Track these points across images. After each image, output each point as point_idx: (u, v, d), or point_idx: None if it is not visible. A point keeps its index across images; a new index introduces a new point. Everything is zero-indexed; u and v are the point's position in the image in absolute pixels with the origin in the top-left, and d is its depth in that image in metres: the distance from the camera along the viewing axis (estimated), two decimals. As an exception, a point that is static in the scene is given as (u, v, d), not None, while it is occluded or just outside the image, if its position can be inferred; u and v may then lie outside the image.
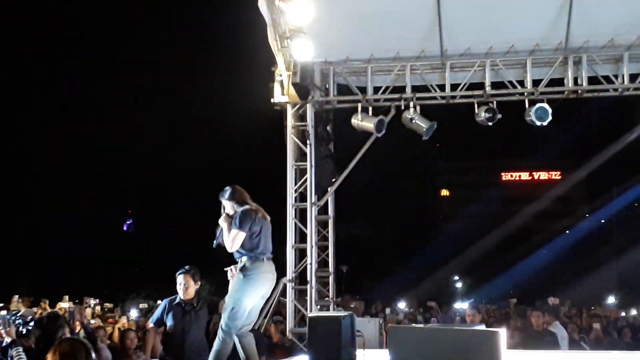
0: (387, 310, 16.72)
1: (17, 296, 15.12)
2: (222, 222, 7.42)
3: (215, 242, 7.65)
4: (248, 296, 7.11)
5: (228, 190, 7.59)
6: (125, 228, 50.07)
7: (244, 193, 7.62)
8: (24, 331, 7.23)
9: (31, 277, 32.58)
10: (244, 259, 7.20)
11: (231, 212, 7.43)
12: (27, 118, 43.56)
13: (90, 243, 41.62)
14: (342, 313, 5.29)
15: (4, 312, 7.89)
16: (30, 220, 41.74)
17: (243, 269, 7.15)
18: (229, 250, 7.26)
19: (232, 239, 7.16)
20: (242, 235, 7.13)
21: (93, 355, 4.33)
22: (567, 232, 51.30)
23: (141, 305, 17.52)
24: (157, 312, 8.22)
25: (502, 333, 5.06)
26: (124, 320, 15.09)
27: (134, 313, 15.40)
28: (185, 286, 8.03)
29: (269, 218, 7.52)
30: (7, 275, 32.52)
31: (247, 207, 7.36)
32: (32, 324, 7.34)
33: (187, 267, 8.26)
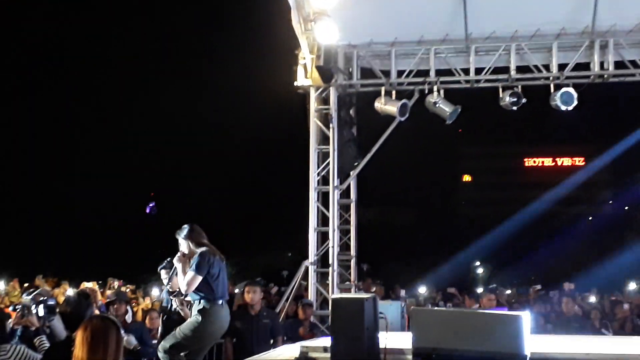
0: (402, 293, 16.71)
1: (40, 275, 15.30)
2: (177, 262, 7.17)
3: (161, 270, 7.46)
4: (205, 340, 7.08)
5: (186, 229, 7.31)
6: (147, 210, 50.36)
7: (201, 233, 7.35)
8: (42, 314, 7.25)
9: (55, 258, 32.89)
10: (203, 302, 7.00)
11: (186, 251, 7.20)
12: (53, 101, 43.84)
13: (113, 225, 41.96)
14: (365, 295, 5.30)
15: (27, 297, 7.94)
16: (54, 201, 42.11)
17: (203, 313, 6.95)
18: (183, 292, 7.06)
19: (188, 281, 6.93)
20: (199, 278, 6.92)
21: (122, 332, 4.36)
22: (590, 218, 50.93)
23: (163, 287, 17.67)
24: None
25: (526, 316, 5.05)
26: (147, 301, 15.24)
27: (155, 292, 15.52)
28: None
29: (224, 259, 7.38)
30: (32, 255, 32.90)
31: (205, 249, 7.12)
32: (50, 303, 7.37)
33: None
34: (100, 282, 17.70)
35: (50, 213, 41.55)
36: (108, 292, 14.40)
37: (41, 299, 7.14)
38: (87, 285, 14.64)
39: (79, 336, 4.18)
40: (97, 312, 7.43)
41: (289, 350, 6.53)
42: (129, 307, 8.75)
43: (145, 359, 8.37)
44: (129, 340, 7.66)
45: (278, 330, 9.68)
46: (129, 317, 8.52)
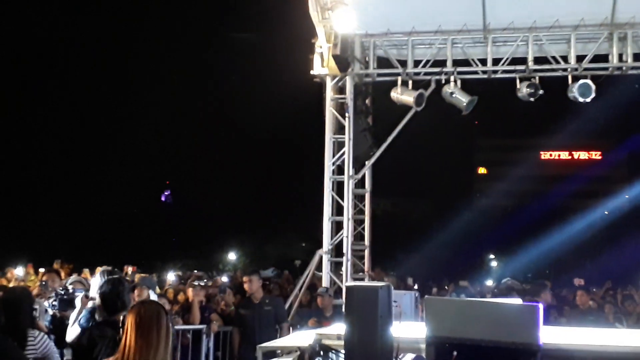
0: (410, 282, 16.72)
1: (59, 260, 15.38)
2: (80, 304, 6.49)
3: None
4: None
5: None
6: (163, 199, 50.58)
7: None
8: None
9: (70, 244, 33.10)
10: None
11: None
12: (71, 91, 44.06)
13: (128, 213, 42.17)
14: (380, 283, 5.29)
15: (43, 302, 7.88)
16: (70, 188, 42.37)
17: None
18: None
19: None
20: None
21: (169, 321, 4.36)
22: (606, 212, 50.65)
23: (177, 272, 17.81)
24: None
25: (540, 307, 5.02)
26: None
27: (171, 277, 15.63)
28: None
29: None
30: (47, 241, 33.13)
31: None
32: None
33: None
34: (115, 269, 17.75)
35: (66, 200, 41.81)
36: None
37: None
38: (100, 269, 14.70)
39: (130, 320, 4.19)
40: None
41: (303, 337, 6.54)
42: (151, 292, 8.75)
43: None
44: None
45: (282, 316, 9.76)
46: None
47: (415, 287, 16.80)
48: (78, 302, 6.50)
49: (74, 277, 9.88)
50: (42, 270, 14.93)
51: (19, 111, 42.66)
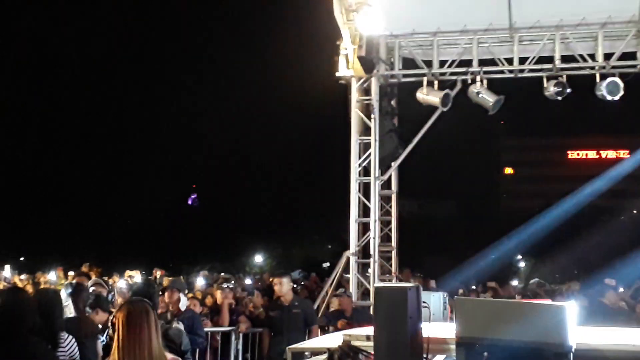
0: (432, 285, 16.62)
1: (87, 264, 15.53)
2: None
3: None
4: None
5: None
6: (189, 202, 50.84)
7: None
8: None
9: (99, 248, 33.40)
10: None
11: None
12: (100, 95, 44.44)
13: (156, 217, 42.45)
14: (409, 284, 5.27)
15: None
16: (98, 194, 42.75)
17: None
18: None
19: None
20: None
21: (176, 322, 4.62)
22: (635, 212, 50.08)
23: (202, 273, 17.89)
24: None
25: (572, 307, 4.98)
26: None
27: (200, 281, 15.69)
28: None
29: None
30: (78, 246, 33.45)
31: None
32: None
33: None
34: (143, 272, 17.90)
35: (94, 205, 42.19)
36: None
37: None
38: (130, 273, 14.85)
39: (120, 319, 4.42)
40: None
41: (331, 338, 6.53)
42: (182, 295, 8.78)
43: (195, 347, 8.39)
44: (178, 327, 7.70)
45: (312, 319, 9.65)
46: (183, 305, 8.56)
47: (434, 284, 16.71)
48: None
49: (94, 279, 9.97)
50: (71, 273, 15.09)
51: (47, 117, 43.15)
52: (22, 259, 32.27)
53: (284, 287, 9.49)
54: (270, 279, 10.00)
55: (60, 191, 42.04)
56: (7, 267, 18.12)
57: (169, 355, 4.68)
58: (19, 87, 42.74)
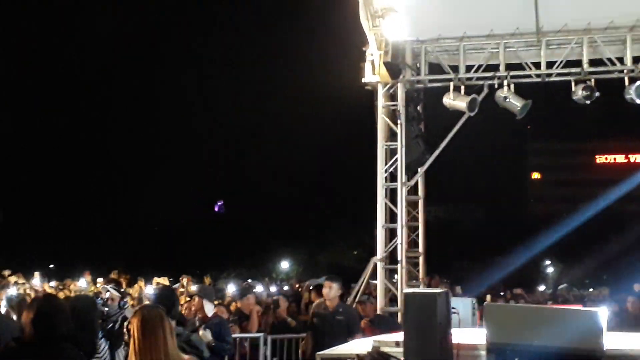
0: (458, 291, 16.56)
1: (116, 271, 15.69)
2: None
3: None
4: None
5: None
6: (216, 209, 51.02)
7: None
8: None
9: (127, 255, 33.63)
10: None
11: None
12: (126, 105, 44.82)
13: (182, 224, 42.64)
14: (438, 290, 5.27)
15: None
16: (125, 201, 43.06)
17: None
18: None
19: None
20: None
21: (202, 329, 4.79)
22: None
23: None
24: None
25: (603, 312, 4.94)
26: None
27: (232, 288, 15.76)
28: None
29: None
30: (105, 253, 33.71)
31: None
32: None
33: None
34: (171, 279, 18.02)
35: (121, 212, 42.49)
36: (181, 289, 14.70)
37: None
38: (158, 280, 14.96)
39: (135, 324, 4.60)
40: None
41: (361, 344, 6.52)
42: (207, 301, 8.80)
43: (222, 354, 8.41)
44: (205, 334, 7.73)
45: (355, 327, 9.42)
46: (209, 312, 8.57)
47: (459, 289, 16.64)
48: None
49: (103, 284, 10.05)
50: (100, 280, 15.23)
51: (72, 126, 43.59)
52: (51, 266, 32.58)
53: (332, 291, 9.35)
54: (297, 285, 9.97)
55: (88, 197, 42.42)
56: (37, 274, 18.31)
57: (186, 357, 4.79)
58: (45, 95, 43.29)
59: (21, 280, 15.92)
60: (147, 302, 7.00)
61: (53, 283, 18.89)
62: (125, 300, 9.89)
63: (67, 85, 42.37)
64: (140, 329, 4.54)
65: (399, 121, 12.82)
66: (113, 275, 14.75)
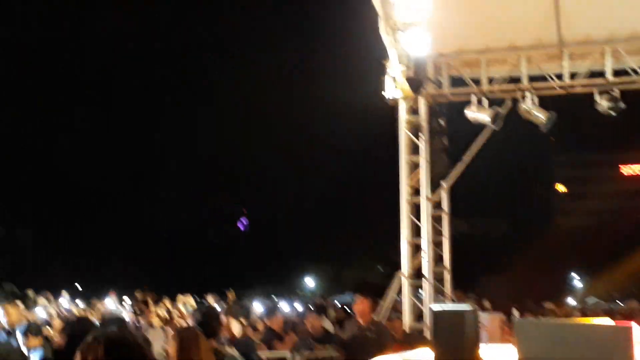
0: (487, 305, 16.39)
1: (140, 290, 15.70)
2: None
3: None
4: None
5: None
6: (240, 226, 51.11)
7: None
8: None
9: (152, 273, 33.74)
10: None
11: None
12: (147, 120, 45.06)
13: (206, 240, 42.75)
14: (466, 306, 5.19)
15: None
16: (148, 219, 43.26)
17: None
18: None
19: None
20: None
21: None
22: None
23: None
24: None
25: (636, 328, 4.84)
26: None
27: (258, 308, 15.72)
28: None
29: None
30: (131, 271, 33.86)
31: None
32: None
33: None
34: (195, 295, 17.99)
35: (145, 230, 42.68)
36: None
37: None
38: (183, 298, 14.95)
39: (172, 346, 4.96)
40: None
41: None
42: (234, 320, 8.79)
43: None
44: (232, 353, 7.70)
45: (386, 344, 9.30)
46: (237, 331, 8.55)
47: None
48: None
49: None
50: (126, 298, 15.24)
51: (94, 136, 43.83)
52: (76, 284, 32.74)
53: (363, 308, 9.28)
54: (322, 302, 9.89)
55: (111, 213, 42.64)
56: (64, 293, 18.36)
57: None
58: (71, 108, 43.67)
59: (44, 302, 15.91)
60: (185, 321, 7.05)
61: (80, 303, 18.94)
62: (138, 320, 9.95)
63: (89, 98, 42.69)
64: (177, 350, 4.81)
65: (421, 135, 12.78)
66: (138, 294, 14.75)
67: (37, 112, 41.96)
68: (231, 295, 18.64)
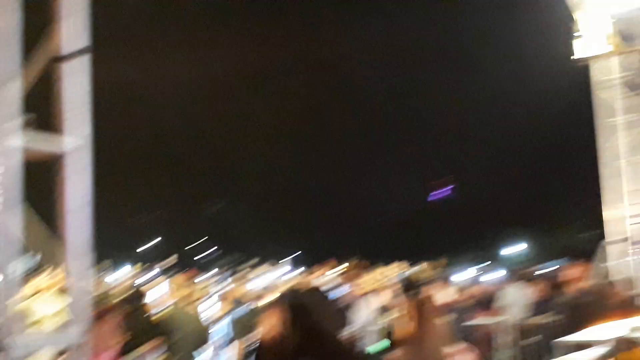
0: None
1: (354, 260, 15.88)
2: None
3: None
4: None
5: None
6: (440, 194, 50.72)
7: None
8: None
9: (358, 243, 34.31)
10: None
11: None
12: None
13: (411, 210, 43.34)
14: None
15: None
16: (357, 190, 44.41)
17: None
18: None
19: None
20: None
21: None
22: None
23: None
24: None
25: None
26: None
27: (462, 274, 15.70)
28: None
29: None
30: (345, 240, 34.99)
31: None
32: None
33: None
34: (410, 263, 17.80)
35: (353, 201, 44.00)
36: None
37: None
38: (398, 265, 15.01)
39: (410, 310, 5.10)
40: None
41: (610, 329, 6.16)
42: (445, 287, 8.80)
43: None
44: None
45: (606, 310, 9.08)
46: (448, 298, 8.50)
47: None
48: None
49: None
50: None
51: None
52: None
53: (580, 273, 9.11)
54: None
55: (320, 189, 43.68)
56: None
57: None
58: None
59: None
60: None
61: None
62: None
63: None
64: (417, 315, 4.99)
65: (620, 95, 12.19)
66: (352, 264, 14.83)
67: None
68: (443, 263, 18.62)
